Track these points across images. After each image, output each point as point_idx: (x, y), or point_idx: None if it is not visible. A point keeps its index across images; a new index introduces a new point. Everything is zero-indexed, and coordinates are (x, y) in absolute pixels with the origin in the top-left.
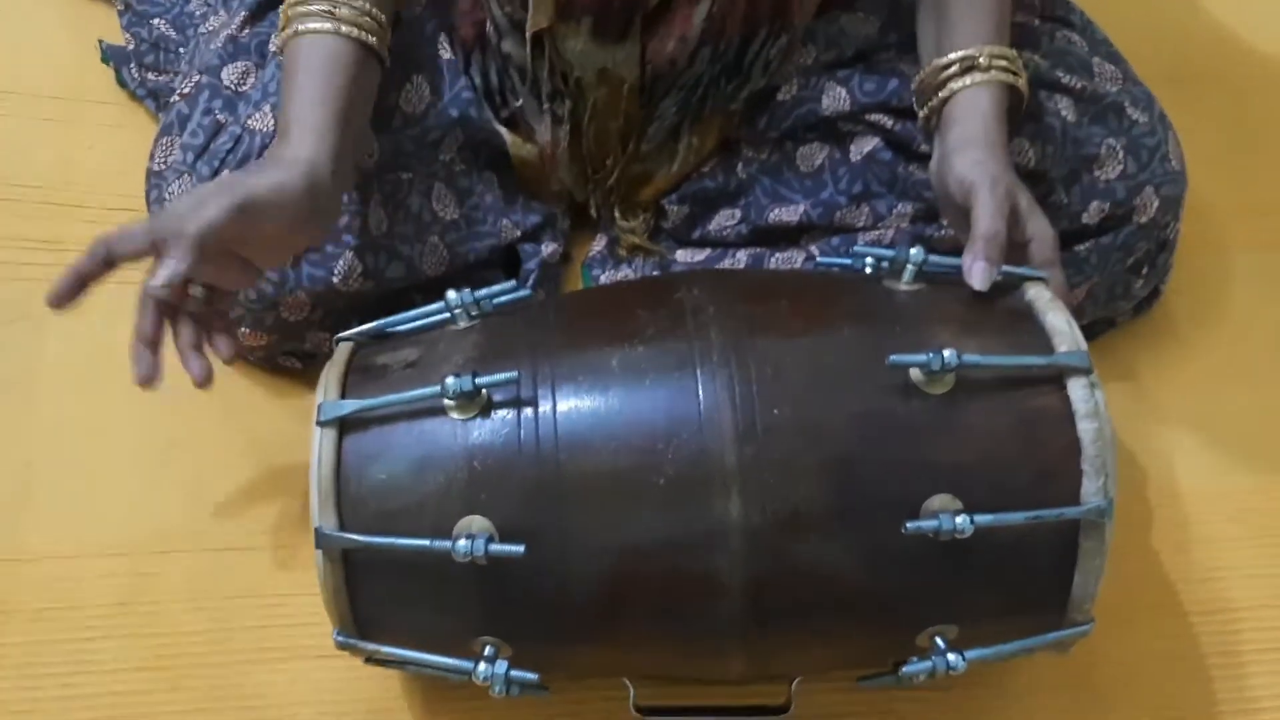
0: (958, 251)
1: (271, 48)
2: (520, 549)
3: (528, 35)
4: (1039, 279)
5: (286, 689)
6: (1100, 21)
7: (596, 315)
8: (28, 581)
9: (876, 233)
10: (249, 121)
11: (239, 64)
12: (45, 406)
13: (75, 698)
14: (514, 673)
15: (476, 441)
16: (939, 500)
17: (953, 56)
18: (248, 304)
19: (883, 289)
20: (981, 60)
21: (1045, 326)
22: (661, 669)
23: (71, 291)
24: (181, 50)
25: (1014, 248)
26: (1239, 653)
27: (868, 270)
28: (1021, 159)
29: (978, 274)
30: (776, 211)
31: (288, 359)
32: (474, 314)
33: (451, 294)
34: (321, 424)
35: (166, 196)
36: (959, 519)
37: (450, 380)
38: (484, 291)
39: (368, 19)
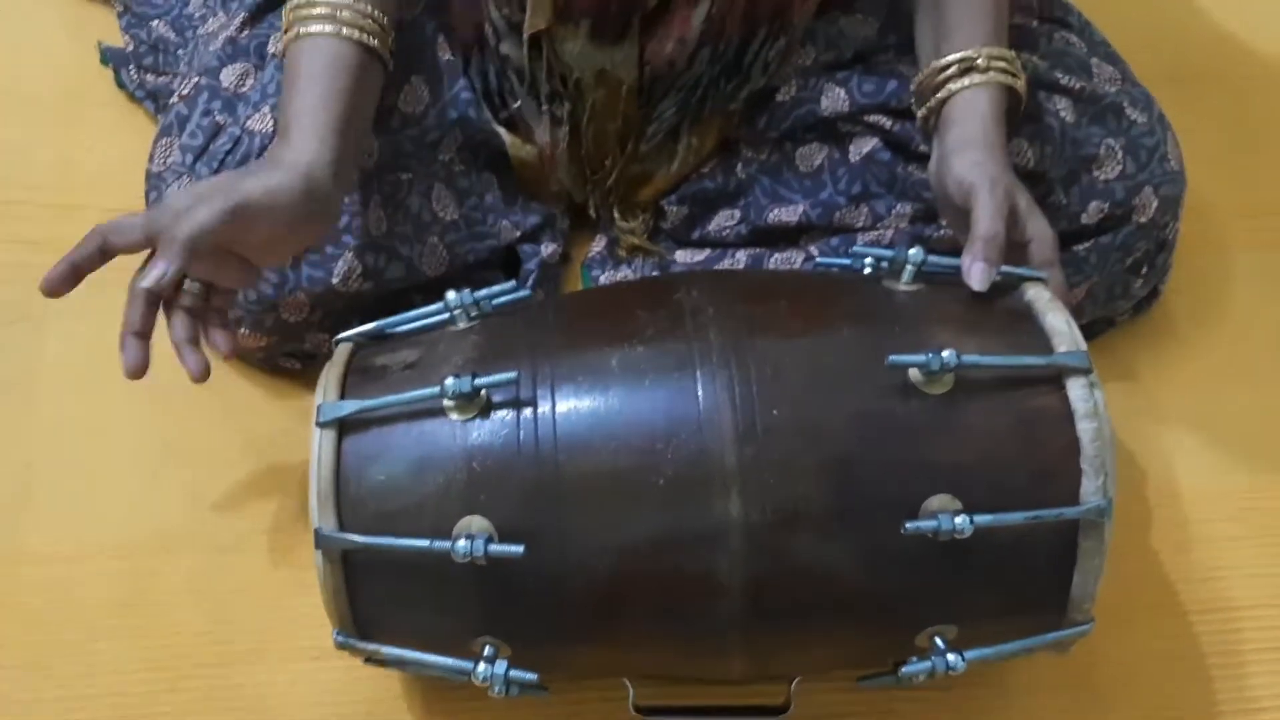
0: (957, 252)
1: (272, 50)
2: (520, 549)
3: (525, 37)
4: (1038, 279)
5: (286, 689)
6: (1099, 22)
7: (596, 316)
8: (28, 581)
9: (876, 233)
10: (248, 123)
11: (238, 65)
12: (45, 407)
13: (75, 698)
14: (513, 673)
15: (476, 442)
16: (938, 500)
17: (951, 58)
18: (247, 306)
19: (882, 289)
20: (980, 61)
21: (1044, 326)
22: (661, 669)
23: (66, 281)
24: (180, 52)
25: (1013, 248)
26: (1239, 653)
27: (867, 270)
28: (1020, 160)
29: (977, 275)
30: (776, 212)
31: (287, 360)
32: (473, 315)
33: (451, 294)
34: (321, 425)
35: (166, 198)
36: (958, 519)
37: (450, 381)
38: (483, 292)
39: (370, 21)
